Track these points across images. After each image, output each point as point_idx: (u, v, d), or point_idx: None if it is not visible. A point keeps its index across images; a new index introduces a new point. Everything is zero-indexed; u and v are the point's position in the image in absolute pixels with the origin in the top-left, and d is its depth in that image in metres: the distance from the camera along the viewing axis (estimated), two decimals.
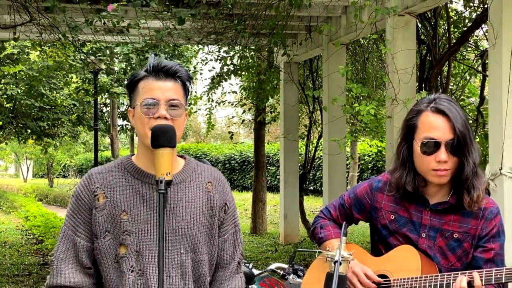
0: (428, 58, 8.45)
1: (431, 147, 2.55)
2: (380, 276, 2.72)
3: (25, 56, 17.72)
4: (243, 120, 15.04)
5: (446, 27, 8.50)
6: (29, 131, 21.21)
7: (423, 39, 8.60)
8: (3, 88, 18.14)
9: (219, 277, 2.47)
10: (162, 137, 2.24)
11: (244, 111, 14.31)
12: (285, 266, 3.82)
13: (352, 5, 7.02)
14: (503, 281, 2.41)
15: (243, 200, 20.78)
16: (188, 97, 2.46)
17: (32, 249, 11.90)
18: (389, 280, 2.69)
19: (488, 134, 6.49)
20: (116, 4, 5.66)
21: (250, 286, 3.67)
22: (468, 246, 2.65)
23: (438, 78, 8.20)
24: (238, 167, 27.76)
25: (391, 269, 2.70)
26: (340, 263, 2.39)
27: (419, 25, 8.47)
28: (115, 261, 2.33)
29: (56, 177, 35.06)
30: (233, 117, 20.72)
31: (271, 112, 13.65)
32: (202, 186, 2.42)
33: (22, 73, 17.10)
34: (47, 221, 14.08)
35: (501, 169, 6.02)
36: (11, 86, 18.02)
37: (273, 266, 3.90)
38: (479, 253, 2.64)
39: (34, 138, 22.49)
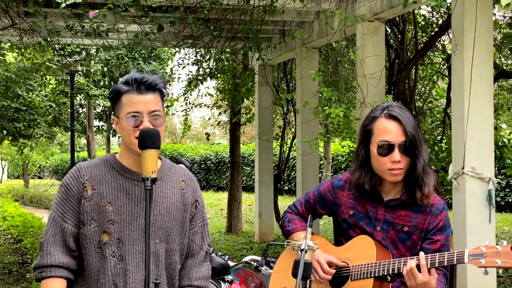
0: (396, 62, 8.79)
1: (386, 149, 2.89)
2: (344, 264, 3.02)
3: (0, 57, 17.80)
4: (219, 122, 15.31)
5: (414, 33, 8.84)
6: (5, 132, 21.27)
7: (392, 43, 8.94)
8: None
9: (189, 265, 2.77)
10: (148, 140, 2.54)
11: (220, 113, 14.57)
12: (258, 258, 4.12)
13: (322, 12, 7.33)
14: (445, 264, 2.73)
15: (218, 200, 21.04)
16: (164, 100, 2.76)
17: (11, 249, 12.07)
18: (349, 267, 3.01)
19: (451, 136, 6.83)
20: (97, 11, 5.90)
21: (225, 277, 3.96)
22: (416, 238, 2.98)
23: (406, 81, 8.54)
24: (213, 168, 27.99)
25: (350, 257, 3.03)
26: (306, 251, 2.71)
27: (388, 30, 8.82)
28: (98, 246, 2.63)
29: (32, 178, 34.98)
30: (209, 119, 20.98)
31: (246, 114, 13.94)
32: (177, 184, 2.73)
33: None
34: (25, 221, 14.21)
35: (463, 169, 6.35)
36: None
37: (247, 258, 4.20)
38: (427, 244, 2.97)
39: (9, 139, 22.55)
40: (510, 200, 16.66)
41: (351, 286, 2.97)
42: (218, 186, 27.23)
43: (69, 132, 26.65)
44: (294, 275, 2.72)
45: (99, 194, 2.64)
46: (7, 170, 41.92)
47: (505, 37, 5.85)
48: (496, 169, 15.19)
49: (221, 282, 3.92)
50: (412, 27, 9.01)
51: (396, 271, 2.87)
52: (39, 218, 14.99)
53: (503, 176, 16.41)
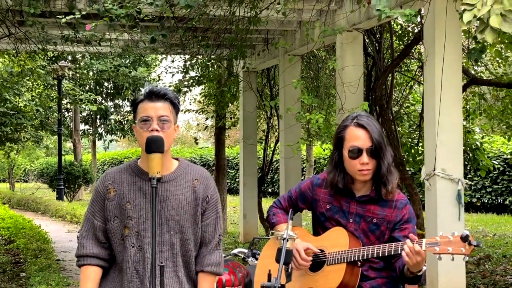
0: (374, 69, 9.28)
1: (356, 153, 3.38)
2: (321, 251, 3.49)
3: None
4: (206, 127, 15.75)
5: (390, 42, 9.34)
6: None
7: (370, 52, 9.43)
8: None
9: (202, 252, 3.20)
10: (153, 145, 2.99)
11: (206, 118, 15.01)
12: (245, 250, 4.57)
13: (304, 25, 7.80)
14: (423, 249, 3.15)
15: None
16: (178, 111, 3.20)
17: (3, 249, 12.41)
18: (325, 254, 3.48)
19: (424, 140, 7.32)
20: (93, 24, 6.33)
21: None
22: (384, 229, 3.46)
23: (383, 88, 9.03)
24: None
25: (326, 245, 3.50)
26: (287, 240, 3.17)
27: (366, 40, 9.30)
28: (121, 239, 3.09)
29: (17, 181, 35.17)
30: (197, 124, 21.37)
31: (231, 118, 14.38)
32: (190, 183, 3.16)
33: None
34: (16, 222, 14.51)
35: (434, 170, 6.80)
36: None
37: (235, 250, 4.66)
38: (397, 232, 3.44)
39: None
40: (485, 201, 17.23)
41: (327, 270, 3.44)
42: None
43: (55, 136, 27.03)
44: (277, 261, 3.17)
45: (120, 195, 3.10)
46: None
47: (470, 50, 6.31)
48: (473, 171, 15.83)
49: None
50: (390, 37, 9.49)
51: (365, 257, 3.34)
52: (30, 220, 15.31)
53: (478, 178, 17.02)
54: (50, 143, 32.99)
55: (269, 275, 3.15)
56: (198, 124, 21.88)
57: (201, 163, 28.18)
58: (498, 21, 4.81)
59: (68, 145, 35.62)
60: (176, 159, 3.22)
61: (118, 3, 6.20)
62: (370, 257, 3.32)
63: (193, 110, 15.22)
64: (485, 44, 6.78)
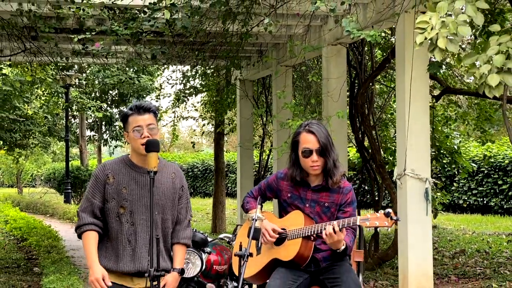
0: (357, 80, 10.17)
1: (307, 153, 4.32)
2: (282, 229, 4.41)
3: None
4: (203, 132, 16.66)
5: (370, 55, 10.23)
6: (1, 142, 22.35)
7: (353, 64, 10.32)
8: None
9: (177, 229, 4.15)
10: (151, 146, 3.90)
11: (204, 124, 15.92)
12: (230, 235, 5.48)
13: (289, 42, 8.69)
14: (347, 225, 4.11)
15: (205, 204, 22.32)
16: (157, 118, 4.14)
17: (17, 247, 13.31)
18: (286, 231, 4.39)
19: (396, 143, 8.17)
20: (102, 42, 7.24)
21: (205, 249, 5.29)
22: (334, 211, 4.39)
23: (365, 96, 9.91)
24: (200, 175, 29.28)
25: (287, 224, 4.43)
26: (256, 220, 4.07)
27: (350, 53, 10.19)
28: (117, 216, 4.00)
29: (25, 186, 36.05)
30: (194, 130, 22.23)
31: (229, 124, 15.28)
32: (169, 175, 4.11)
33: None
34: (27, 223, 15.35)
35: (404, 170, 7.62)
36: None
37: (221, 235, 5.58)
38: (341, 214, 4.37)
39: (6, 148, 23.66)
40: (471, 202, 18.06)
41: (287, 244, 4.37)
42: (205, 192, 28.49)
43: (62, 142, 27.90)
44: (249, 236, 4.08)
45: (117, 181, 4.01)
46: (0, 180, 43.01)
47: (429, 64, 7.14)
48: (455, 171, 16.64)
49: (202, 253, 5.25)
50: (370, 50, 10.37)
51: (317, 233, 4.24)
52: (41, 220, 16.17)
53: (465, 180, 17.88)
54: (57, 148, 33.90)
55: (241, 246, 4.07)
56: (194, 130, 22.77)
57: (203, 168, 29.04)
58: (445, 43, 5.68)
59: (75, 150, 36.51)
60: None
61: (124, 24, 7.10)
62: (318, 232, 4.22)
63: (192, 117, 16.11)
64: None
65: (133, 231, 3.97)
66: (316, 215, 4.39)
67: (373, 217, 4.01)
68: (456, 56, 9.27)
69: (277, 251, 4.36)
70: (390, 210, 3.96)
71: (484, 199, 17.61)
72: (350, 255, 4.51)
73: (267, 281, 4.34)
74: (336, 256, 4.34)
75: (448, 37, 5.70)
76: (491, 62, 5.60)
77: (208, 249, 5.31)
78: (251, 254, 3.98)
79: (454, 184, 18.26)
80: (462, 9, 5.78)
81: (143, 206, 3.97)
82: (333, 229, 4.08)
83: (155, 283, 3.75)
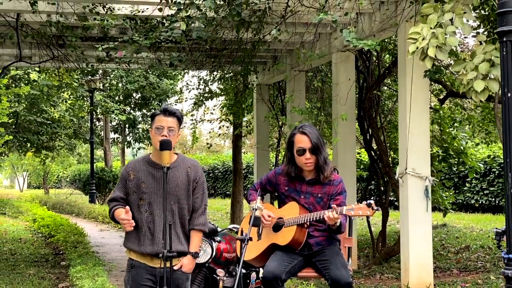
0: (365, 84, 10.73)
1: (301, 152, 4.96)
2: (279, 218, 5.02)
3: (26, 76, 19.59)
4: (219, 134, 17.28)
5: (377, 61, 10.78)
6: (29, 144, 23.14)
7: (361, 69, 10.87)
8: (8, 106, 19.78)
9: (193, 216, 4.72)
10: (165, 145, 4.50)
11: (221, 126, 16.54)
12: (238, 226, 6.07)
13: (296, 51, 9.28)
14: (344, 212, 4.69)
15: (225, 205, 22.89)
16: (181, 126, 4.73)
17: (44, 243, 14.02)
18: (283, 219, 4.99)
19: (398, 144, 8.70)
20: (124, 51, 7.89)
21: (215, 237, 5.89)
22: (326, 200, 5.00)
23: (372, 100, 10.47)
24: (221, 176, 29.89)
25: (284, 214, 5.06)
26: (256, 210, 4.68)
27: (359, 58, 10.74)
28: (137, 206, 4.61)
29: (51, 187, 36.95)
30: (209, 132, 22.73)
31: (247, 126, 15.88)
32: (185, 169, 4.69)
33: (25, 91, 18.76)
34: (55, 221, 16.06)
35: (406, 169, 8.16)
36: (14, 103, 19.78)
37: (230, 226, 6.17)
38: (333, 202, 4.95)
39: (33, 150, 24.46)
40: (483, 202, 18.49)
41: (284, 230, 5.01)
42: (225, 193, 29.04)
43: (87, 144, 28.68)
44: (249, 223, 4.70)
45: (137, 177, 4.64)
46: (28, 181, 44.05)
47: (426, 71, 7.66)
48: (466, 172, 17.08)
49: (213, 242, 5.85)
50: (377, 55, 10.93)
51: (310, 221, 4.85)
52: (67, 218, 16.88)
53: (477, 181, 18.32)
54: (82, 150, 34.74)
55: (242, 231, 4.68)
56: (211, 131, 23.43)
57: (224, 169, 29.62)
58: (434, 52, 6.24)
59: (99, 152, 37.29)
60: (176, 153, 4.73)
61: (144, 35, 7.74)
62: (311, 220, 4.82)
63: (209, 120, 16.72)
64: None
65: (152, 219, 4.58)
66: (311, 205, 5.02)
67: (357, 207, 4.63)
68: None
69: (275, 236, 4.99)
70: (371, 201, 4.55)
71: (496, 199, 18.03)
72: (340, 241, 5.12)
73: (266, 263, 4.96)
74: (333, 234, 4.94)
75: (438, 46, 6.27)
76: (477, 69, 6.16)
77: (218, 238, 5.90)
78: (251, 238, 4.59)
79: (467, 184, 18.70)
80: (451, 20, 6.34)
81: (159, 197, 4.57)
82: (333, 214, 4.68)
83: (168, 262, 4.36)
